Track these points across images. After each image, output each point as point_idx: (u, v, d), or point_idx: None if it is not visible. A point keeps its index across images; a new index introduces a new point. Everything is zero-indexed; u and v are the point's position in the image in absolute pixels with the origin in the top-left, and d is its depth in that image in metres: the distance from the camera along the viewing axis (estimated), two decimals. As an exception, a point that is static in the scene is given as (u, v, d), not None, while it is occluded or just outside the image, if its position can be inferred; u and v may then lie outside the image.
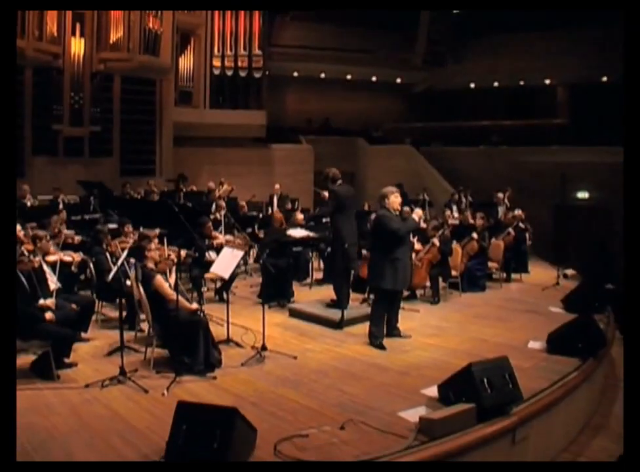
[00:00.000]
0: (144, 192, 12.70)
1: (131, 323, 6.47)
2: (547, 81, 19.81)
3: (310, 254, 10.02)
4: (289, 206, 13.45)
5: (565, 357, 5.88)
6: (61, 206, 10.96)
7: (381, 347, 6.24)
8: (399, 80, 21.48)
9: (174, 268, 5.75)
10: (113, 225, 9.38)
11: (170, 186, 13.83)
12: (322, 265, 10.29)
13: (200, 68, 16.15)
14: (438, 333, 6.93)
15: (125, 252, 5.72)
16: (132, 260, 5.73)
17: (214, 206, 11.23)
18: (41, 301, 5.32)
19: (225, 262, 6.09)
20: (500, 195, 13.31)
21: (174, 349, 5.25)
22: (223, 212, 10.49)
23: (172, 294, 5.31)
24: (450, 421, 4.14)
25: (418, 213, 6.47)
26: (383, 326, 6.40)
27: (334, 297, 7.55)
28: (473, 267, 9.35)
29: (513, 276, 10.21)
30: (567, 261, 11.29)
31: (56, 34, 12.77)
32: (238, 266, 6.13)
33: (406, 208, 8.29)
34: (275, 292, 8.00)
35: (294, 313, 7.47)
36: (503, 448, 4.44)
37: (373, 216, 9.38)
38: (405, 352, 6.18)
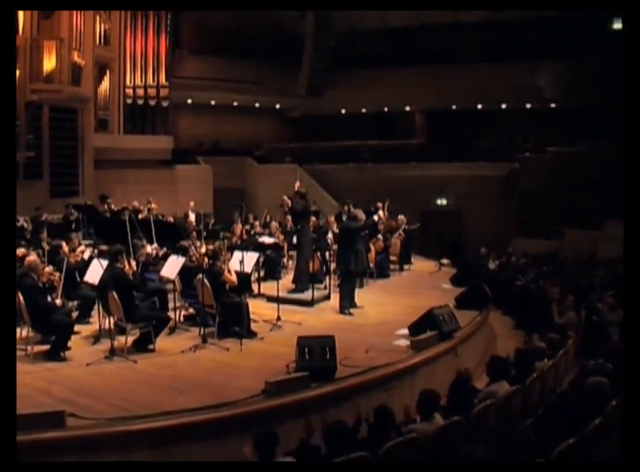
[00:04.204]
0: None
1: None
2: (407, 108, 23.91)
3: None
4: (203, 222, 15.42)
5: (469, 311, 9.08)
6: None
7: (350, 314, 9.06)
8: (278, 106, 24.46)
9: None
10: (89, 241, 11.30)
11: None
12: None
13: (115, 97, 17.73)
14: (379, 304, 9.86)
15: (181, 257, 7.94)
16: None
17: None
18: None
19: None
20: (379, 204, 16.67)
21: (230, 321, 7.59)
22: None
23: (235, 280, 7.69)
24: (427, 340, 7.11)
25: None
26: (349, 299, 9.21)
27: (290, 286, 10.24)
28: (380, 260, 12.50)
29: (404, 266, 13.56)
30: (433, 254, 14.92)
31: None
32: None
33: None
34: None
35: (271, 299, 9.86)
36: (451, 358, 7.49)
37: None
38: (367, 315, 9.05)
